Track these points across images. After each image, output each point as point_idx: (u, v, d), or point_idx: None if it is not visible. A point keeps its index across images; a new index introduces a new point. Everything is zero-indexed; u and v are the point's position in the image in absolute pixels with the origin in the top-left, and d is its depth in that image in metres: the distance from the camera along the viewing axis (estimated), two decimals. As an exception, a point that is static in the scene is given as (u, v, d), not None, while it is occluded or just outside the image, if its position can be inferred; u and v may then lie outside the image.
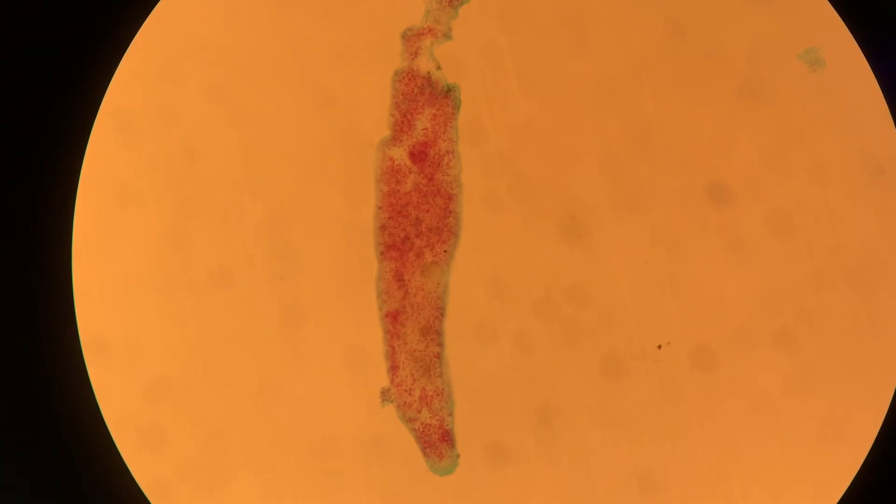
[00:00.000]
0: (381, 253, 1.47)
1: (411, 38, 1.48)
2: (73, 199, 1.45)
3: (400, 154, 1.47)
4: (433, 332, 1.47)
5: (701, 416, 1.45)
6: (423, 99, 1.47)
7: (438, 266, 1.47)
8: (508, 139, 1.47)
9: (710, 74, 1.46)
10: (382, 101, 1.47)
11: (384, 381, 1.48)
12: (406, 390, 1.48)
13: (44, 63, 1.46)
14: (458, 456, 1.47)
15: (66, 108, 1.46)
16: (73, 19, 1.46)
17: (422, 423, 1.48)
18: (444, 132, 1.48)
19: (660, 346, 1.46)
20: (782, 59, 1.46)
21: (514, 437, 1.46)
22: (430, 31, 1.47)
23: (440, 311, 1.47)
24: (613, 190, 1.47)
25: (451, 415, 1.47)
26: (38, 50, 1.46)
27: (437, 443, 1.48)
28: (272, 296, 1.46)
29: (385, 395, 1.47)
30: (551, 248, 1.47)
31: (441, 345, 1.47)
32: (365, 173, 1.47)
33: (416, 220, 1.47)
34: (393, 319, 1.47)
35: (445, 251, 1.48)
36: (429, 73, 1.47)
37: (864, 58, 1.44)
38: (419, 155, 1.48)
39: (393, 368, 1.48)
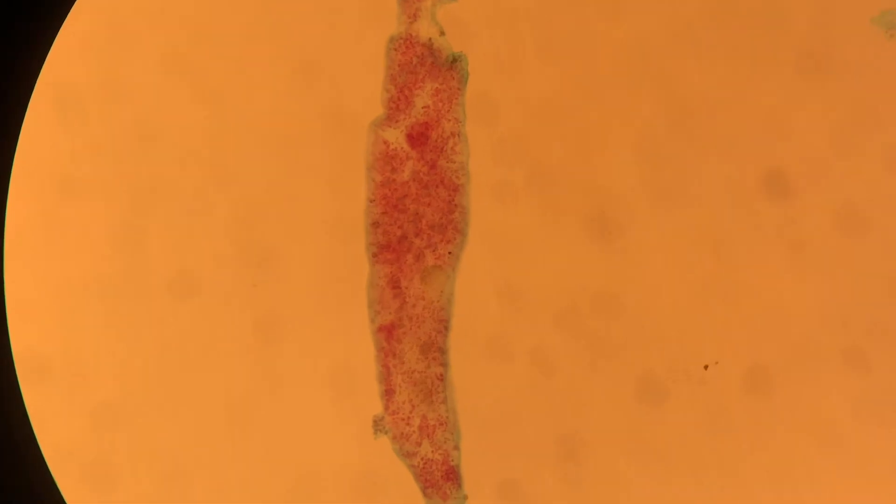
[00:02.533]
0: (374, 255, 1.45)
1: None
2: (4, 192, 1.45)
3: (396, 137, 1.45)
4: (435, 350, 1.46)
5: (755, 449, 1.43)
6: (424, 71, 1.46)
7: (441, 270, 1.45)
8: (525, 119, 1.46)
9: (766, 42, 1.44)
10: (375, 73, 1.46)
11: (377, 407, 1.46)
12: (403, 419, 1.46)
13: None
14: (465, 497, 1.46)
15: None
16: None
17: (422, 459, 1.46)
18: (448, 111, 1.46)
19: (706, 367, 1.44)
20: (853, 23, 1.44)
21: (532, 475, 1.45)
22: None
23: (444, 325, 1.46)
24: (650, 180, 1.45)
25: (456, 448, 1.46)
26: None
27: (441, 482, 1.46)
28: (243, 306, 1.47)
29: (378, 425, 1.46)
30: (576, 249, 1.45)
31: (445, 364, 1.46)
32: (354, 160, 1.46)
33: (414, 215, 1.45)
34: (387, 334, 1.46)
35: (450, 253, 1.45)
36: (430, 39, 1.46)
37: None
38: (419, 138, 1.45)
39: (387, 393, 1.46)
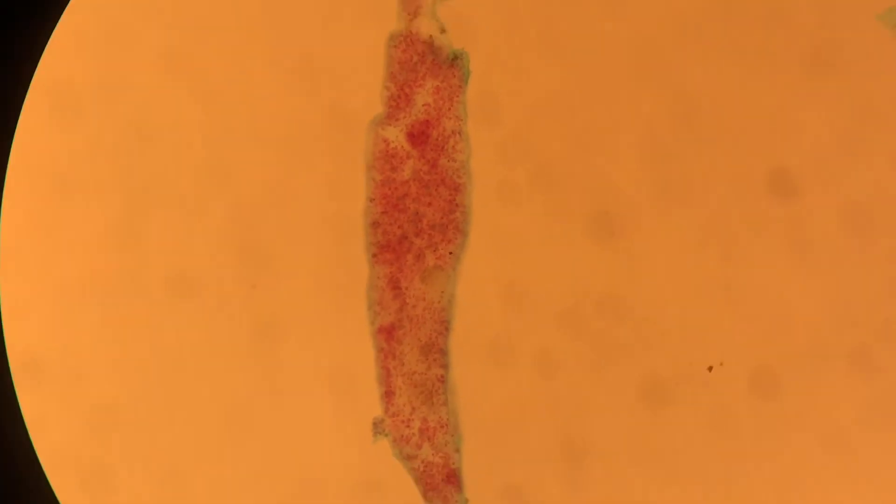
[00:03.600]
0: (374, 255, 1.45)
1: None
2: None
3: (396, 135, 1.46)
4: (436, 351, 1.46)
5: (761, 452, 1.43)
6: (424, 68, 1.46)
7: (442, 271, 1.46)
8: (527, 117, 1.46)
9: (771, 39, 1.44)
10: (375, 70, 1.47)
11: (377, 410, 1.46)
12: (403, 421, 1.46)
13: None
14: (466, 501, 1.46)
15: None
16: None
17: (423, 462, 1.46)
18: (449, 109, 1.46)
19: (711, 368, 1.44)
20: (859, 20, 1.44)
21: (535, 479, 1.45)
22: None
23: (445, 326, 1.46)
24: (654, 179, 1.45)
25: (457, 451, 1.46)
26: None
27: (441, 485, 1.46)
28: (242, 307, 1.47)
29: (378, 428, 1.46)
30: (580, 250, 1.45)
31: (446, 366, 1.46)
32: (353, 159, 1.47)
33: (415, 215, 1.46)
34: (387, 335, 1.46)
35: (451, 253, 1.46)
36: (431, 36, 1.46)
37: None
38: (419, 136, 1.46)
39: (387, 395, 1.46)
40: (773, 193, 1.43)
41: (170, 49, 1.46)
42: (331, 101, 1.46)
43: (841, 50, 1.43)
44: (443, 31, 1.45)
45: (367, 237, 1.45)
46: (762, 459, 1.42)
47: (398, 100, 1.46)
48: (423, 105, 1.45)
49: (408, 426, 1.45)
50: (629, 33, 1.45)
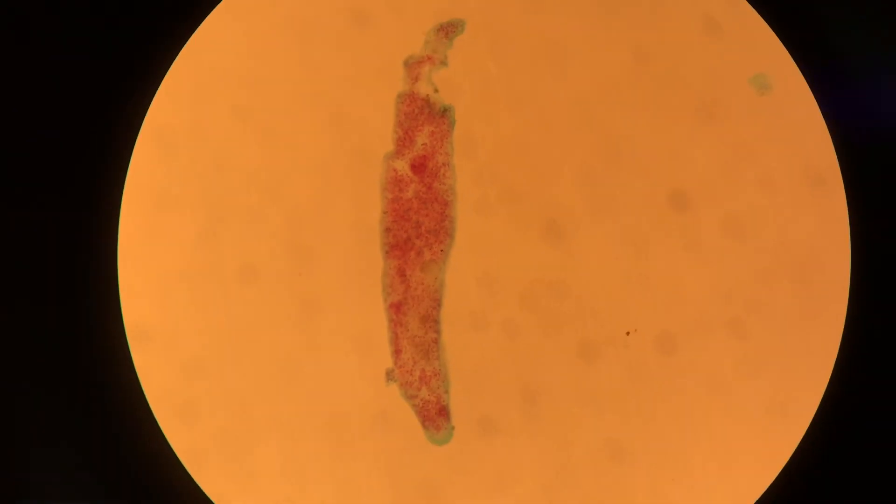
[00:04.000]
0: (386, 252, 1.51)
1: (412, 65, 1.52)
2: (118, 206, 1.49)
3: (402, 166, 1.51)
4: (431, 321, 1.51)
5: (664, 394, 1.49)
6: (423, 118, 1.51)
7: (436, 263, 1.51)
8: (497, 152, 1.51)
9: (671, 96, 1.50)
10: (387, 119, 1.51)
11: (389, 363, 1.51)
12: (408, 371, 1.52)
13: (93, 84, 1.51)
14: (452, 428, 1.51)
15: (113, 125, 1.50)
16: (119, 46, 1.51)
17: (421, 400, 1.51)
18: (441, 147, 1.51)
19: (628, 333, 1.50)
20: (734, 83, 1.50)
21: (502, 413, 1.50)
22: (428, 59, 1.51)
23: (437, 303, 1.51)
24: (589, 196, 1.50)
25: (446, 392, 1.51)
26: (88, 73, 1.51)
27: (435, 417, 1.51)
28: (291, 289, 1.50)
29: (389, 376, 1.51)
30: (535, 248, 1.50)
31: (438, 332, 1.51)
32: (372, 182, 1.51)
33: (416, 223, 1.51)
34: (396, 310, 1.51)
35: (442, 250, 1.51)
36: (427, 95, 1.51)
37: (805, 83, 1.49)
38: (419, 167, 1.51)
39: (396, 352, 1.51)
40: (673, 207, 1.50)
41: (240, 103, 1.50)
42: (355, 142, 1.50)
43: (720, 104, 1.50)
44: (436, 91, 1.50)
45: (381, 239, 1.50)
46: (665, 400, 1.48)
47: (404, 140, 1.50)
48: (422, 144, 1.50)
49: (411, 374, 1.50)
50: (570, 91, 1.50)
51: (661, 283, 1.50)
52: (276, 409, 1.49)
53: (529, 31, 1.49)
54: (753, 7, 1.45)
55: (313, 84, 1.50)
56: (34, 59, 1.46)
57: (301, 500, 1.47)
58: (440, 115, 1.51)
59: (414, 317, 1.50)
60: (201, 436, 1.49)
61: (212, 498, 1.46)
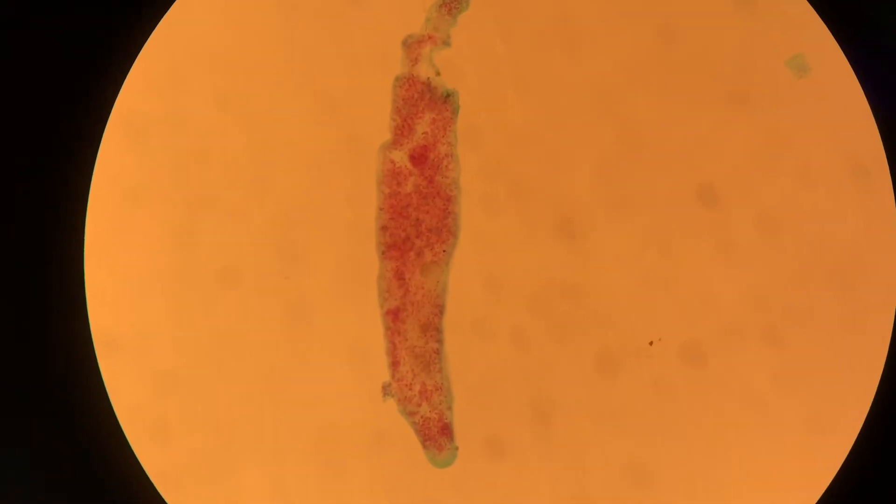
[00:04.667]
0: (383, 252, 1.48)
1: (412, 46, 1.48)
2: (85, 201, 1.46)
3: (401, 157, 1.48)
4: (433, 329, 1.47)
5: (692, 411, 1.45)
6: (423, 104, 1.48)
7: (437, 265, 1.48)
8: (505, 143, 1.48)
9: (700, 80, 1.47)
10: (384, 106, 1.48)
11: (385, 376, 1.48)
12: (406, 385, 1.48)
13: (56, 70, 1.47)
14: (456, 449, 1.47)
15: (79, 114, 1.47)
16: (84, 28, 1.47)
17: (421, 417, 1.48)
18: (443, 136, 1.48)
19: (651, 343, 1.46)
20: (770, 65, 1.47)
21: (510, 431, 1.46)
22: (429, 38, 1.48)
23: (439, 309, 1.47)
24: (606, 192, 1.47)
25: (449, 409, 1.48)
26: (51, 57, 1.47)
27: (437, 436, 1.48)
28: (277, 294, 1.47)
29: (386, 390, 1.47)
30: (547, 248, 1.47)
31: (440, 341, 1.48)
32: (367, 176, 1.48)
33: (416, 220, 1.48)
34: (394, 317, 1.47)
35: (444, 251, 1.48)
36: (428, 78, 1.48)
37: (848, 64, 1.45)
38: (419, 158, 1.48)
39: (394, 364, 1.48)
40: (701, 203, 1.46)
41: (221, 88, 1.47)
42: (349, 130, 1.47)
43: (754, 89, 1.46)
44: (438, 74, 1.47)
45: (377, 238, 1.47)
46: (693, 416, 1.44)
47: (402, 129, 1.47)
48: (422, 133, 1.47)
49: (410, 389, 1.47)
50: (586, 74, 1.47)
51: (688, 287, 1.46)
52: (260, 427, 1.46)
53: (541, 7, 1.47)
54: (790, -19, 1.45)
55: (302, 66, 1.47)
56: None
57: (287, 529, 1.44)
58: (442, 101, 1.47)
59: (413, 325, 1.47)
60: (177, 456, 1.45)
61: (188, 525, 1.44)
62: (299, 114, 1.47)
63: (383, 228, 1.47)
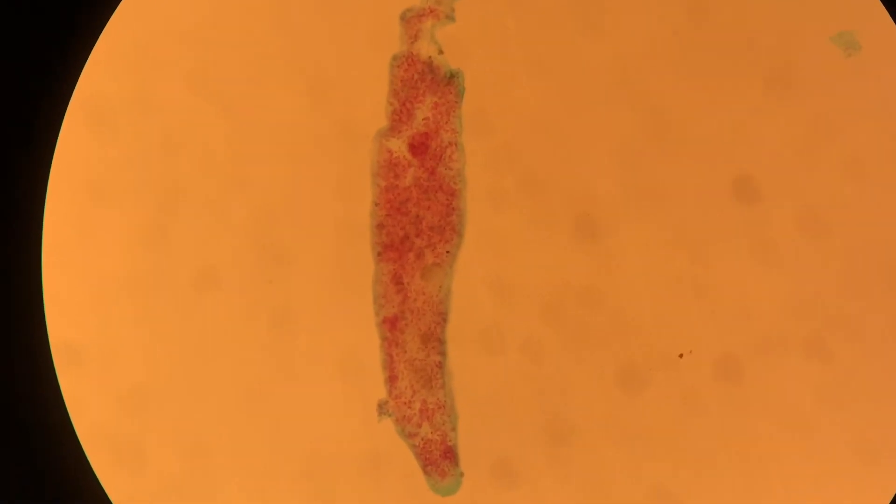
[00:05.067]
0: (378, 253, 1.47)
1: (411, 20, 1.47)
2: (42, 197, 1.46)
3: (398, 146, 1.46)
4: (434, 340, 1.46)
5: (726, 432, 1.45)
6: (424, 86, 1.47)
7: (440, 268, 1.47)
8: (516, 130, 1.47)
9: (735, 60, 1.46)
10: (379, 88, 1.47)
11: (381, 392, 1.47)
12: (405, 403, 1.47)
13: (8, 48, 1.48)
14: (461, 475, 1.46)
15: (35, 99, 1.47)
16: (40, 1, 1.49)
17: (422, 439, 1.47)
18: (446, 122, 1.47)
19: (681, 356, 1.45)
20: (814, 43, 1.46)
21: (522, 455, 1.46)
22: (431, 12, 1.46)
23: (442, 317, 1.46)
24: (630, 186, 1.46)
25: (454, 430, 1.47)
26: (1, 34, 1.48)
27: (439, 460, 1.47)
28: (260, 300, 1.47)
29: (382, 408, 1.46)
30: (563, 249, 1.46)
31: (443, 353, 1.47)
32: (360, 167, 1.47)
33: (415, 217, 1.47)
34: (391, 326, 1.46)
35: (448, 252, 1.47)
36: (430, 57, 1.47)
37: None
38: (419, 147, 1.47)
39: (391, 379, 1.47)
40: (737, 199, 1.45)
41: (195, 68, 1.46)
42: (340, 116, 1.46)
43: (797, 69, 1.45)
44: (440, 52, 1.46)
45: (372, 237, 1.46)
46: (728, 439, 1.43)
47: (400, 114, 1.46)
48: (422, 119, 1.46)
49: (409, 407, 1.46)
50: (607, 54, 1.46)
51: (722, 293, 1.45)
52: (241, 451, 1.46)
53: (558, -24, 1.47)
54: (835, -52, 1.45)
55: (287, 43, 1.48)
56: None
57: (272, 565, 1.46)
58: (445, 83, 1.47)
59: (413, 335, 1.46)
60: (147, 484, 1.46)
61: (160, 562, 1.46)
62: (284, 97, 1.47)
63: (379, 226, 1.46)
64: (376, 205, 1.46)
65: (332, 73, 1.47)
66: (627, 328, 1.45)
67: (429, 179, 1.46)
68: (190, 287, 1.47)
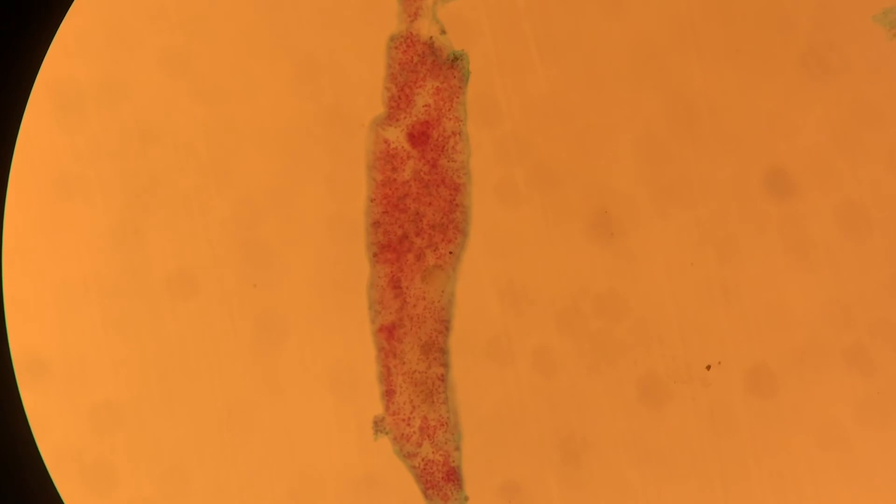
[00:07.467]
0: (375, 255, 1.46)
1: None
2: (3, 193, 1.46)
3: (397, 136, 1.46)
4: (436, 350, 1.47)
5: (758, 450, 1.44)
6: (425, 70, 1.47)
7: (442, 270, 1.46)
8: (526, 118, 1.47)
9: (768, 40, 1.45)
10: (375, 71, 1.47)
11: (377, 408, 1.47)
12: (404, 420, 1.47)
13: None
14: (466, 499, 1.46)
15: None
16: None
17: (423, 460, 1.47)
18: (449, 109, 1.47)
19: (709, 367, 1.45)
20: (855, 21, 1.45)
21: (533, 477, 1.46)
22: None
23: (445, 325, 1.46)
24: (653, 179, 1.46)
25: (457, 449, 1.47)
26: None
27: (442, 483, 1.47)
28: (243, 306, 1.47)
29: (379, 426, 1.46)
30: (578, 249, 1.46)
31: (446, 365, 1.47)
32: (354, 159, 1.47)
33: (415, 215, 1.46)
34: (388, 335, 1.46)
35: (451, 252, 1.46)
36: (431, 38, 1.47)
37: None
38: (420, 137, 1.46)
39: (388, 393, 1.47)
40: (771, 193, 1.44)
41: (172, 50, 1.47)
42: (332, 102, 1.47)
43: (836, 51, 1.44)
44: (443, 32, 1.46)
45: (368, 237, 1.46)
46: (760, 458, 1.43)
47: (399, 101, 1.46)
48: (423, 106, 1.46)
49: (408, 424, 1.46)
50: (627, 34, 1.46)
51: (755, 298, 1.44)
52: (221, 473, 1.46)
53: (573, -52, 1.48)
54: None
55: (274, 22, 1.47)
56: None
57: None
58: (448, 66, 1.46)
59: (412, 345, 1.46)
60: None
61: None
62: (270, 81, 1.47)
63: (375, 224, 1.46)
64: (372, 201, 1.46)
65: (323, 55, 1.48)
66: (649, 337, 1.46)
67: (430, 173, 1.46)
68: (166, 292, 1.47)
